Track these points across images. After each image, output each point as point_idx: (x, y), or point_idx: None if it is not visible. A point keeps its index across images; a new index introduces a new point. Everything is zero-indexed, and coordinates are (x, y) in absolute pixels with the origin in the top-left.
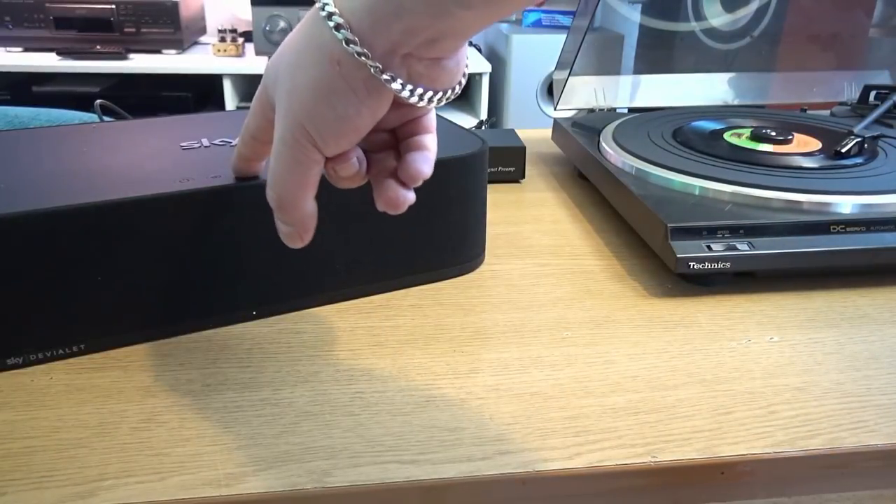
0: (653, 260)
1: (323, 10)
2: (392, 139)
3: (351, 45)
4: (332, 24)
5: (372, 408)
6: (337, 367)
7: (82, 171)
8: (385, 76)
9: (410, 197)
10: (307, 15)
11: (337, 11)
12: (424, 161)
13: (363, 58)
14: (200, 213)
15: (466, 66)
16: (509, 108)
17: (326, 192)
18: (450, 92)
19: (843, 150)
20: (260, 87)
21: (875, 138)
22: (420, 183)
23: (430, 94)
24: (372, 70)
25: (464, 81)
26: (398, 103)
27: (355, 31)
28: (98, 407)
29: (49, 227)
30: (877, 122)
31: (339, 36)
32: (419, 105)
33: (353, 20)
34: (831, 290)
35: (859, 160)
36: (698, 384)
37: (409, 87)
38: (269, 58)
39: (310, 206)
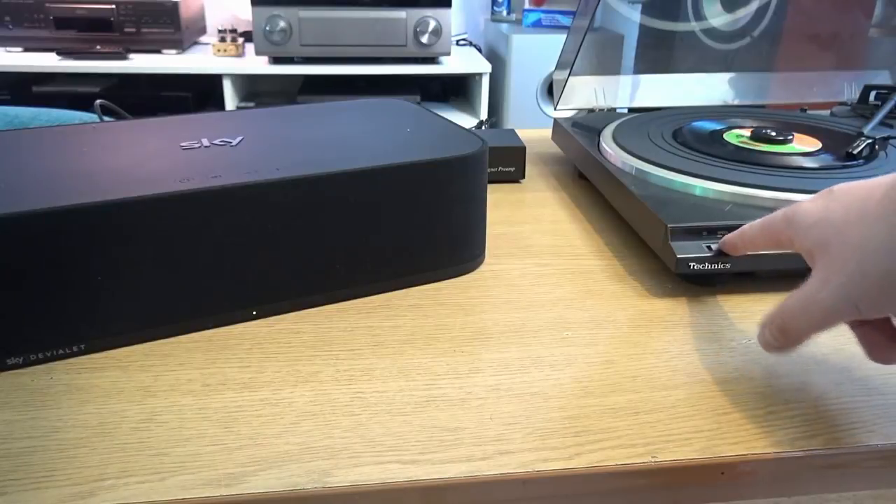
0: (653, 260)
1: None
2: None
3: None
4: None
5: (372, 408)
6: (337, 367)
7: (82, 171)
8: None
9: None
10: None
11: None
12: None
13: None
14: (200, 213)
15: None
16: (509, 108)
17: (325, 191)
18: None
19: (856, 153)
20: (782, 219)
21: (885, 139)
22: None
23: None
24: None
25: None
26: None
27: None
28: (98, 407)
29: (49, 227)
30: (880, 122)
31: None
32: None
33: None
34: None
35: (860, 161)
36: (698, 384)
37: None
38: (808, 209)
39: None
